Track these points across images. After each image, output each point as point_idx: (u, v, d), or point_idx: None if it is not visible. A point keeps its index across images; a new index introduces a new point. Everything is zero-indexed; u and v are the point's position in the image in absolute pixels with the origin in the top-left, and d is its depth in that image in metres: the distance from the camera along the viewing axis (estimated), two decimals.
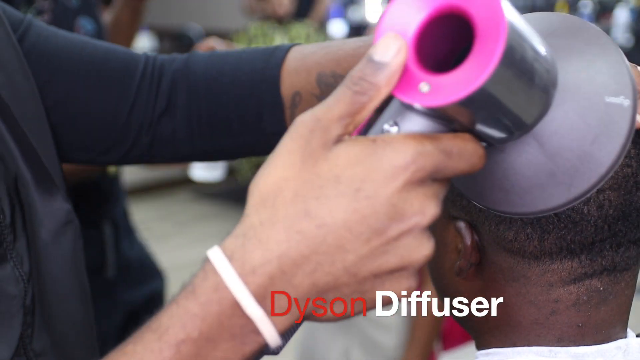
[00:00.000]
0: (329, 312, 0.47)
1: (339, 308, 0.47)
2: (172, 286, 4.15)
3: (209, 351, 0.46)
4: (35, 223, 0.75)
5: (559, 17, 0.61)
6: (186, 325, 0.45)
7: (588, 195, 0.57)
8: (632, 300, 0.69)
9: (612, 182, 0.62)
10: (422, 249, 0.46)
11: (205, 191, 5.33)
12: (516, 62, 0.47)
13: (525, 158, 0.56)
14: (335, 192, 0.44)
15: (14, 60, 0.78)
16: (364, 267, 0.45)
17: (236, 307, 0.45)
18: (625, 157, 0.63)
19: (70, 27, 1.79)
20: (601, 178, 0.56)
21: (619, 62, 0.58)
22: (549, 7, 6.01)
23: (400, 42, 0.46)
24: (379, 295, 0.47)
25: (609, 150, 0.55)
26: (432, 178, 0.46)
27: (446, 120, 0.48)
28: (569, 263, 0.64)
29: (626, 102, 0.56)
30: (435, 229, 0.70)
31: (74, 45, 0.85)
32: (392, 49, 0.46)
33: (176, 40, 6.10)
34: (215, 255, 0.45)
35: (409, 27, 0.48)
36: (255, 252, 0.45)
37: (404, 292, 0.47)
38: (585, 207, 0.62)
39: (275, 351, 0.50)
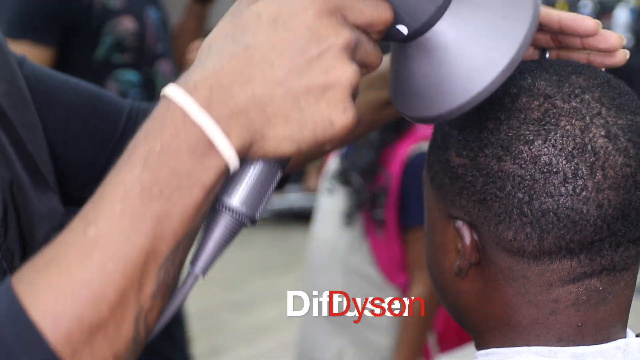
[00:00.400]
0: (277, 132, 0.52)
1: (285, 128, 0.52)
2: None
3: (173, 163, 0.50)
4: (32, 225, 0.75)
5: None
6: (148, 140, 0.51)
7: (487, 93, 0.58)
8: (631, 300, 0.69)
9: (612, 181, 0.62)
10: (344, 68, 0.53)
11: None
12: None
13: (429, 60, 0.59)
14: (257, 24, 0.52)
15: (10, 67, 0.79)
16: (293, 80, 0.52)
17: (186, 117, 0.51)
18: (625, 156, 0.63)
19: (140, 14, 1.91)
20: (487, 87, 0.58)
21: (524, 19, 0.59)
22: (549, 7, 6.01)
23: None
24: (319, 113, 0.52)
25: (508, 45, 0.57)
26: (343, 16, 0.53)
27: None
28: (568, 263, 0.64)
29: (504, 57, 0.57)
30: (434, 229, 0.71)
31: (69, 81, 0.87)
32: None
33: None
34: (167, 87, 0.52)
35: None
36: (196, 72, 0.52)
37: (343, 121, 0.53)
38: (585, 207, 0.62)
39: (251, 218, 0.55)
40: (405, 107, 0.62)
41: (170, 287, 0.53)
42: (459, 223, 0.67)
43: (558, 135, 0.63)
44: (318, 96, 0.52)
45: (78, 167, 0.86)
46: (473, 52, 0.58)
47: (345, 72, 0.53)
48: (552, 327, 0.66)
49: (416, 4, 0.57)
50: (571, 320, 0.65)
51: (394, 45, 0.62)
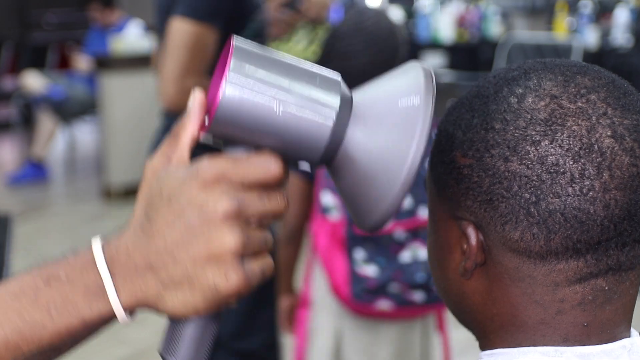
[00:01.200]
0: (172, 298, 0.59)
1: (177, 295, 0.59)
2: None
3: (68, 291, 0.59)
4: None
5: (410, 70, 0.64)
6: (59, 267, 0.61)
7: (402, 200, 0.59)
8: (635, 300, 0.69)
9: (619, 182, 0.62)
10: (224, 237, 0.57)
11: None
12: (250, 84, 0.58)
13: (346, 182, 0.62)
14: (159, 200, 0.60)
15: None
16: (180, 252, 0.58)
17: (94, 265, 0.60)
18: (631, 156, 0.63)
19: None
20: (404, 185, 0.58)
21: (416, 69, 0.61)
22: (549, 7, 6.00)
23: (196, 94, 0.63)
24: (205, 280, 0.58)
25: (403, 155, 0.58)
26: (227, 182, 0.58)
27: (242, 144, 0.61)
28: (575, 263, 0.64)
29: (417, 101, 0.58)
30: (439, 229, 0.71)
31: None
32: (191, 100, 0.63)
33: None
34: (95, 239, 0.62)
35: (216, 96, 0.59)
36: (117, 238, 0.61)
37: (228, 285, 0.58)
38: (592, 207, 0.62)
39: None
40: (358, 224, 0.64)
41: None
42: (465, 224, 0.67)
43: (565, 135, 0.62)
44: (203, 265, 0.58)
45: None
46: (375, 171, 0.59)
47: (224, 241, 0.57)
48: (558, 327, 0.66)
49: (305, 148, 0.60)
50: (577, 320, 0.65)
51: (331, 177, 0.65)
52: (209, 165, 0.59)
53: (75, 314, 0.60)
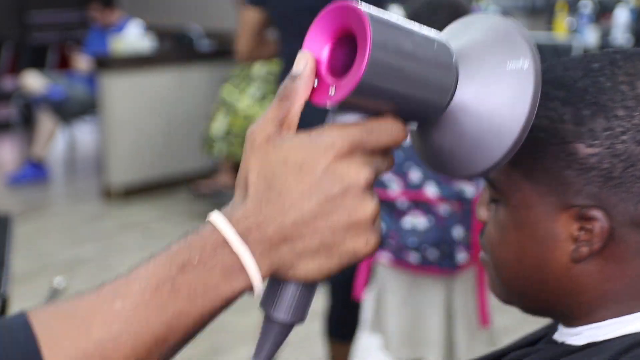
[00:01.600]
0: (306, 265, 0.60)
1: (314, 262, 0.60)
2: None
3: (205, 275, 0.59)
4: None
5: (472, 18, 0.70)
6: (190, 251, 0.59)
7: (509, 156, 0.64)
8: None
9: None
10: (365, 206, 0.59)
11: (205, 191, 5.33)
12: (389, 55, 0.59)
13: (451, 133, 0.65)
14: (285, 170, 0.59)
15: None
16: (319, 222, 0.59)
17: (225, 244, 0.59)
18: None
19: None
20: (516, 141, 0.63)
21: (513, 30, 0.65)
22: (549, 7, 6.00)
23: (307, 57, 0.61)
24: (345, 247, 0.60)
25: (519, 115, 0.62)
26: (362, 150, 0.60)
27: (361, 110, 0.61)
28: None
29: (526, 64, 0.63)
30: (536, 225, 0.74)
31: None
32: (302, 63, 0.61)
33: (176, 40, 6.09)
34: (213, 214, 0.61)
35: (322, 49, 0.62)
36: (239, 211, 0.60)
37: (366, 249, 0.60)
38: None
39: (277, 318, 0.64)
40: (442, 169, 0.68)
41: None
42: (591, 210, 0.71)
43: None
44: (343, 234, 0.59)
45: None
46: (490, 121, 0.63)
47: (366, 210, 0.60)
48: None
49: (426, 106, 0.63)
50: None
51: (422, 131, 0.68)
52: (342, 134, 0.59)
53: (217, 296, 0.60)
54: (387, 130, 0.61)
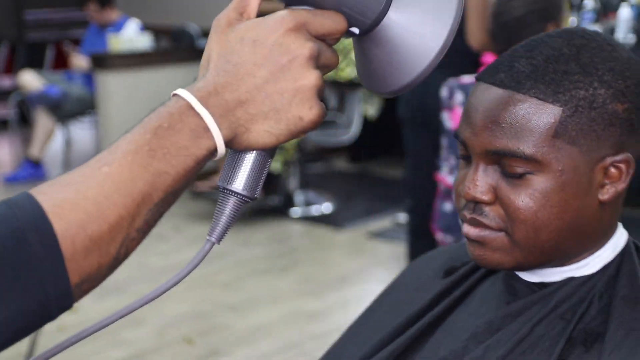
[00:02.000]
0: (259, 127, 0.69)
1: (265, 124, 0.69)
2: None
3: (176, 137, 0.67)
4: None
5: None
6: (159, 119, 0.68)
7: (427, 73, 0.72)
8: None
9: None
10: (309, 75, 0.69)
11: (204, 190, 5.28)
12: None
13: (377, 52, 0.73)
14: (241, 46, 0.69)
15: None
16: (269, 87, 0.68)
17: (190, 109, 0.68)
18: None
19: None
20: (439, 52, 0.71)
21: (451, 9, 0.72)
22: None
23: None
24: (291, 111, 0.69)
25: (440, 34, 0.71)
26: (307, 29, 0.69)
27: (311, 4, 0.71)
28: None
29: (435, 45, 0.71)
30: (573, 182, 0.87)
31: None
32: None
33: (175, 38, 6.05)
34: (178, 90, 0.69)
35: None
36: (199, 82, 0.70)
37: (310, 116, 0.69)
38: None
39: (247, 195, 0.72)
40: (370, 85, 0.76)
41: (151, 227, 0.69)
42: (627, 156, 0.89)
43: None
44: (289, 98, 0.69)
45: None
46: (413, 41, 0.72)
47: (310, 78, 0.69)
48: None
49: (363, 10, 0.72)
50: None
51: (354, 40, 0.76)
52: (291, 14, 0.69)
53: (188, 156, 0.68)
54: (329, 18, 0.70)
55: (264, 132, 0.69)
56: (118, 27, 5.92)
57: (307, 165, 5.50)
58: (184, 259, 4.00)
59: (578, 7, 5.55)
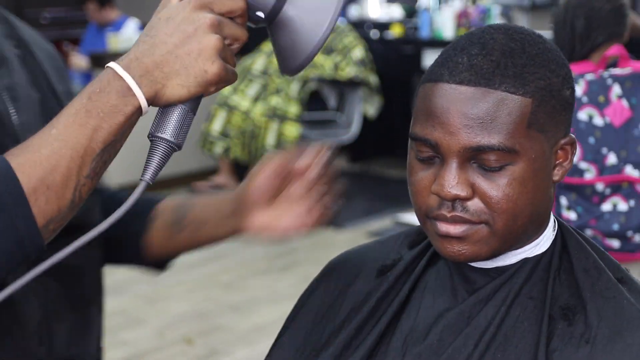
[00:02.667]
0: (173, 82, 0.84)
1: (177, 79, 0.84)
2: (173, 286, 4.09)
3: (106, 98, 0.84)
4: None
5: None
6: (92, 86, 0.85)
7: (314, 55, 0.88)
8: None
9: None
10: (209, 38, 0.84)
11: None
12: None
13: (282, 33, 0.89)
14: (159, 23, 0.86)
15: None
16: (178, 49, 0.84)
17: (116, 75, 0.84)
18: None
19: None
20: (317, 45, 0.87)
21: None
22: (551, 3, 5.96)
23: None
24: (197, 67, 0.84)
25: (322, 24, 0.87)
26: (209, 8, 0.85)
27: None
28: None
29: None
30: (543, 169, 0.93)
31: None
32: None
33: None
34: (109, 62, 0.86)
35: None
36: (127, 56, 0.86)
37: (213, 69, 0.84)
38: None
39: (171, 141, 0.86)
40: (281, 69, 0.92)
41: (98, 174, 0.86)
42: (572, 138, 0.96)
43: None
44: (195, 56, 0.84)
45: None
46: (306, 24, 0.87)
47: (211, 40, 0.84)
48: None
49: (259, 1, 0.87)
50: None
51: (268, 29, 0.91)
52: None
53: (118, 113, 0.84)
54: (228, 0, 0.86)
55: (177, 85, 0.84)
56: (117, 26, 5.91)
57: None
58: (184, 260, 3.99)
59: None
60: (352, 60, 5.59)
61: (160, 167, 0.86)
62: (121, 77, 0.84)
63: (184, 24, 0.84)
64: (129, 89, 0.84)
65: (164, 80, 0.84)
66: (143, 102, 0.84)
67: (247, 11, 0.87)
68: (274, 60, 3.22)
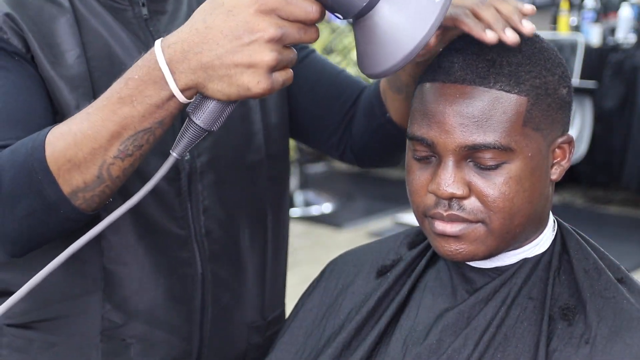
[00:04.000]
0: (214, 86, 0.81)
1: (219, 85, 0.81)
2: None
3: (142, 87, 0.84)
4: None
5: None
6: (132, 71, 0.85)
7: (407, 61, 0.80)
8: None
9: None
10: (264, 55, 0.79)
11: None
12: None
13: (366, 37, 0.82)
14: (219, 11, 0.80)
15: None
16: (228, 57, 0.79)
17: (157, 65, 0.83)
18: None
19: None
20: (412, 51, 0.79)
21: None
22: (552, 4, 5.96)
23: None
24: (242, 80, 0.80)
25: (420, 32, 0.78)
26: (277, 14, 0.79)
27: None
28: None
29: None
30: (540, 168, 0.92)
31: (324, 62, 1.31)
32: None
33: None
34: (158, 40, 0.84)
35: None
36: (175, 36, 0.83)
37: (257, 89, 0.80)
38: None
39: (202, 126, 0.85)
40: (362, 67, 0.85)
41: (130, 154, 0.87)
42: (569, 136, 0.96)
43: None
44: (243, 70, 0.80)
45: (320, 124, 1.30)
46: (398, 32, 0.80)
47: (264, 58, 0.79)
48: None
49: (345, 4, 0.80)
50: None
51: (353, 26, 0.84)
52: None
53: (150, 102, 0.84)
54: (300, 8, 0.79)
55: (217, 90, 0.81)
56: None
57: (307, 166, 5.49)
58: None
59: (578, 7, 5.55)
60: (352, 61, 5.59)
61: (190, 145, 0.86)
62: (161, 69, 0.82)
63: (242, 29, 0.78)
64: (166, 82, 0.82)
65: (205, 82, 0.81)
66: (181, 98, 0.83)
67: (321, 16, 0.81)
68: None
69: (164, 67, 0.82)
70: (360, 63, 0.85)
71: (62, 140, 0.88)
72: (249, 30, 0.78)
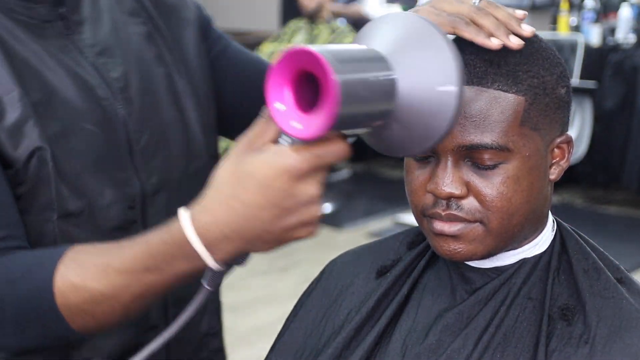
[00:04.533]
0: (258, 249, 0.80)
1: (264, 247, 0.80)
2: None
3: (171, 260, 0.83)
4: None
5: (405, 22, 0.84)
6: (161, 243, 0.83)
7: (433, 145, 0.84)
8: None
9: None
10: (312, 211, 0.78)
11: None
12: (350, 101, 0.74)
13: (392, 131, 0.83)
14: (251, 184, 0.77)
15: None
16: (275, 227, 0.78)
17: (188, 242, 0.80)
18: None
19: None
20: (439, 139, 0.82)
21: (448, 58, 0.81)
22: (552, 4, 5.96)
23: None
24: (295, 237, 0.79)
25: (442, 123, 0.81)
26: (314, 172, 0.77)
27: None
28: None
29: (453, 89, 0.80)
30: (538, 168, 0.93)
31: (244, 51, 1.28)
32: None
33: None
34: (184, 216, 0.81)
35: (284, 89, 0.76)
36: (203, 214, 0.80)
37: (301, 234, 0.79)
38: None
39: (235, 262, 0.85)
40: (392, 151, 0.88)
41: (144, 307, 0.90)
42: (568, 136, 0.96)
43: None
44: (292, 230, 0.79)
45: (239, 110, 1.24)
46: (418, 127, 0.83)
47: (312, 213, 0.78)
48: None
49: (379, 117, 0.82)
50: None
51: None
52: (298, 159, 0.76)
53: (180, 273, 0.83)
54: (334, 153, 0.78)
55: (262, 250, 0.81)
56: None
57: None
58: None
59: (578, 7, 5.55)
60: None
61: (222, 276, 0.87)
62: (198, 252, 0.80)
63: (283, 198, 0.76)
64: (201, 257, 0.80)
65: (248, 248, 0.80)
66: (216, 267, 0.82)
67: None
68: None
69: (199, 248, 0.80)
70: (391, 149, 0.88)
71: (75, 294, 0.88)
72: (291, 198, 0.76)
